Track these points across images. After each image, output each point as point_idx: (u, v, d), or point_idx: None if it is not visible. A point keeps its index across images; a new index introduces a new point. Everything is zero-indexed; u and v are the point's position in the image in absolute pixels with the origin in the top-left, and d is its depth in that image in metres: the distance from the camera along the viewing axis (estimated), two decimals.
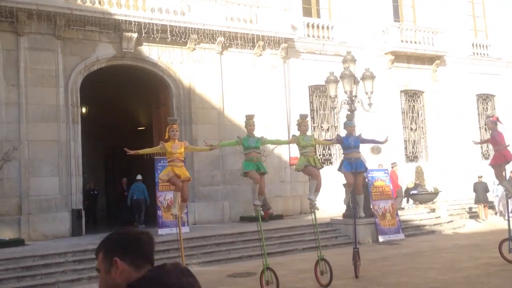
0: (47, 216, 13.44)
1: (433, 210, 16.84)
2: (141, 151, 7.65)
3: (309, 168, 8.18)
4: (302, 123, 8.46)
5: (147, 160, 18.83)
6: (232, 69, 16.83)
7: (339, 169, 9.11)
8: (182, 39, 15.66)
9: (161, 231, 13.07)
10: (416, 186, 17.73)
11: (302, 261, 10.99)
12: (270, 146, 16.63)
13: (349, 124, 9.06)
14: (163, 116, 17.04)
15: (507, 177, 12.66)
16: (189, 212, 14.34)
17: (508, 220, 9.26)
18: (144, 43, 15.40)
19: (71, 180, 13.96)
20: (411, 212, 16.31)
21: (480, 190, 17.83)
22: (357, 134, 9.11)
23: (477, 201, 17.97)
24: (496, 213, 18.20)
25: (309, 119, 18.12)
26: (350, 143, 8.78)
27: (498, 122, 9.73)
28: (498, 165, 9.33)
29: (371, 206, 13.97)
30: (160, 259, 11.14)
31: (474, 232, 14.90)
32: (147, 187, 17.87)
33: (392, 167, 17.71)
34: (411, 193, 17.67)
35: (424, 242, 12.92)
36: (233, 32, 16.39)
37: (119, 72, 16.31)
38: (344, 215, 14.37)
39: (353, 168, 8.65)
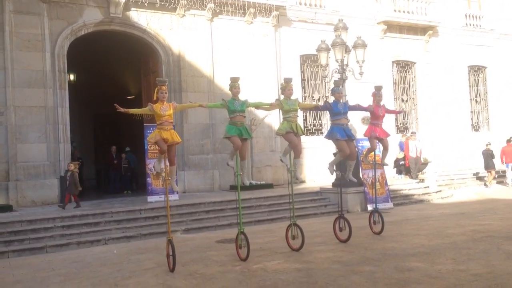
0: (35, 183, 13.35)
1: (422, 180, 16.97)
2: (130, 110, 7.39)
3: (290, 136, 7.95)
4: (286, 87, 8.19)
5: (136, 128, 18.70)
6: (223, 37, 16.57)
7: (330, 137, 8.59)
8: (172, 5, 15.34)
9: (150, 198, 13.07)
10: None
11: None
12: (261, 115, 16.57)
13: (336, 90, 8.63)
14: (152, 83, 16.78)
15: None
16: (178, 181, 14.31)
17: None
18: (132, 8, 15.07)
19: (59, 147, 13.83)
20: (400, 182, 16.42)
21: (488, 157, 18.56)
22: (343, 101, 8.70)
23: (486, 167, 18.79)
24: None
25: (297, 84, 18.03)
26: (339, 109, 8.46)
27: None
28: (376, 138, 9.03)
29: (361, 175, 14.04)
30: (149, 225, 11.23)
31: (462, 202, 15.07)
32: (137, 155, 17.91)
33: (408, 138, 17.65)
34: (400, 163, 17.76)
35: (412, 211, 13.04)
36: None
37: (107, 38, 16.01)
38: (334, 184, 14.44)
39: (347, 134, 8.38)
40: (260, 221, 12.17)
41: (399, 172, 17.83)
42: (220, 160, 16.24)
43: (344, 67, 14.29)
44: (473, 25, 22.69)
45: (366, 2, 19.69)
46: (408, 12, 20.38)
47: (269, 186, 16.06)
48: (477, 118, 23.01)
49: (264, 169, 17.05)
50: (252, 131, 15.65)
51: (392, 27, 20.20)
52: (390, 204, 13.95)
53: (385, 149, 9.17)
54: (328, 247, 8.58)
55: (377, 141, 9.17)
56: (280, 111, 8.54)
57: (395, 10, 20.05)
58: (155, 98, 7.35)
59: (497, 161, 18.87)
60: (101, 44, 16.67)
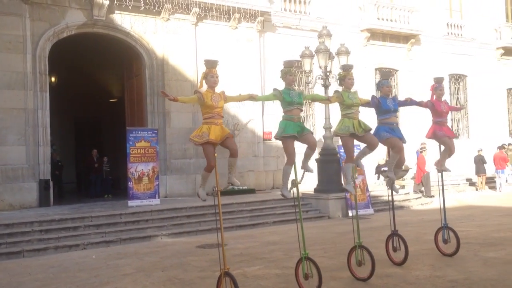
0: (13, 186, 13.14)
1: (402, 187, 17.14)
2: (179, 98, 5.96)
3: (349, 141, 6.55)
4: (346, 76, 6.73)
5: (118, 131, 18.61)
6: (207, 41, 16.56)
7: (378, 137, 6.98)
8: (156, 9, 15.28)
9: (131, 203, 12.95)
10: (387, 163, 17.95)
11: (272, 234, 11.10)
12: (244, 120, 16.60)
13: (385, 83, 7.23)
14: (135, 87, 16.77)
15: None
16: (160, 185, 14.22)
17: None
18: (116, 11, 14.97)
19: (38, 149, 13.64)
20: (381, 188, 16.54)
21: (479, 162, 19.41)
22: (392, 97, 7.25)
23: (477, 173, 19.64)
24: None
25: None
26: (389, 106, 7.02)
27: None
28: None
29: (342, 182, 14.11)
30: (129, 230, 11.13)
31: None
32: (119, 159, 17.82)
33: (421, 152, 17.49)
34: (382, 169, 17.85)
35: None
36: (208, 3, 16.07)
37: (90, 41, 15.89)
38: (315, 190, 14.51)
39: (396, 135, 6.99)
40: (241, 226, 12.16)
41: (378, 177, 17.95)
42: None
43: (328, 74, 14.40)
44: (455, 34, 23.08)
45: (350, 10, 19.90)
46: (391, 21, 20.65)
47: (251, 191, 16.06)
48: (457, 126, 23.35)
49: (246, 174, 17.04)
50: (235, 136, 15.70)
51: (376, 35, 20.44)
52: (371, 210, 14.07)
53: (450, 152, 7.80)
54: (310, 253, 8.58)
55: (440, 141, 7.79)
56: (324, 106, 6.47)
57: (378, 18, 20.29)
58: (201, 86, 5.87)
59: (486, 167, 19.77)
60: (84, 47, 16.55)
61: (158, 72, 15.82)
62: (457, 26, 23.20)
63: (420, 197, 16.45)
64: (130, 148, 13.32)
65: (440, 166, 7.94)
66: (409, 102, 7.43)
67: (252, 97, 6.21)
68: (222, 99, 5.79)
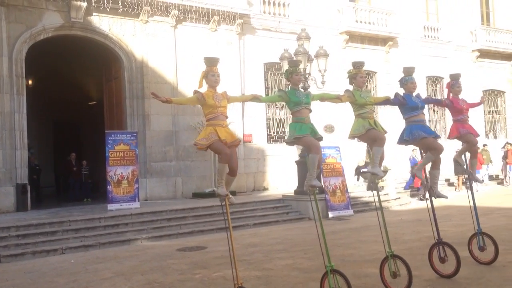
0: None
1: (382, 188, 17.31)
2: (174, 100, 5.52)
3: (373, 132, 6.09)
4: (357, 74, 6.28)
5: (97, 135, 18.43)
6: (186, 43, 16.53)
7: (411, 138, 6.52)
8: (135, 11, 15.21)
9: (110, 207, 12.85)
10: (366, 164, 18.10)
11: (253, 236, 11.13)
12: None
13: (409, 80, 6.60)
14: (114, 90, 16.64)
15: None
16: (140, 188, 14.13)
17: (475, 211, 7.39)
18: (94, 13, 14.84)
19: (15, 153, 13.44)
20: (360, 189, 16.72)
21: (457, 163, 19.33)
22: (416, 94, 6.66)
23: (455, 173, 19.67)
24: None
25: (260, 92, 18.08)
26: (415, 102, 6.47)
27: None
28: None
29: (322, 183, 14.23)
30: (108, 234, 11.03)
31: (419, 209, 15.43)
32: (98, 162, 17.65)
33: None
34: (361, 171, 18.03)
35: (372, 218, 13.24)
36: (187, 5, 16.05)
37: (68, 43, 15.72)
38: (296, 192, 14.59)
39: (431, 132, 6.53)
40: (222, 229, 12.10)
41: (358, 178, 18.15)
42: (183, 167, 16.14)
43: (307, 76, 14.50)
44: (431, 37, 23.45)
45: (329, 13, 20.07)
46: (369, 23, 20.88)
47: (231, 193, 16.01)
48: (435, 127, 23.69)
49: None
50: None
51: (354, 37, 20.64)
52: (350, 211, 14.20)
53: (473, 156, 7.52)
54: (288, 254, 8.66)
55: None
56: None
57: (356, 21, 20.51)
58: (200, 86, 5.44)
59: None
60: (62, 49, 16.36)
61: (137, 74, 15.73)
62: (434, 29, 23.59)
63: (399, 198, 16.66)
64: (109, 151, 13.23)
65: (458, 157, 7.70)
66: (430, 99, 6.99)
67: (255, 98, 5.82)
68: (225, 98, 5.45)
